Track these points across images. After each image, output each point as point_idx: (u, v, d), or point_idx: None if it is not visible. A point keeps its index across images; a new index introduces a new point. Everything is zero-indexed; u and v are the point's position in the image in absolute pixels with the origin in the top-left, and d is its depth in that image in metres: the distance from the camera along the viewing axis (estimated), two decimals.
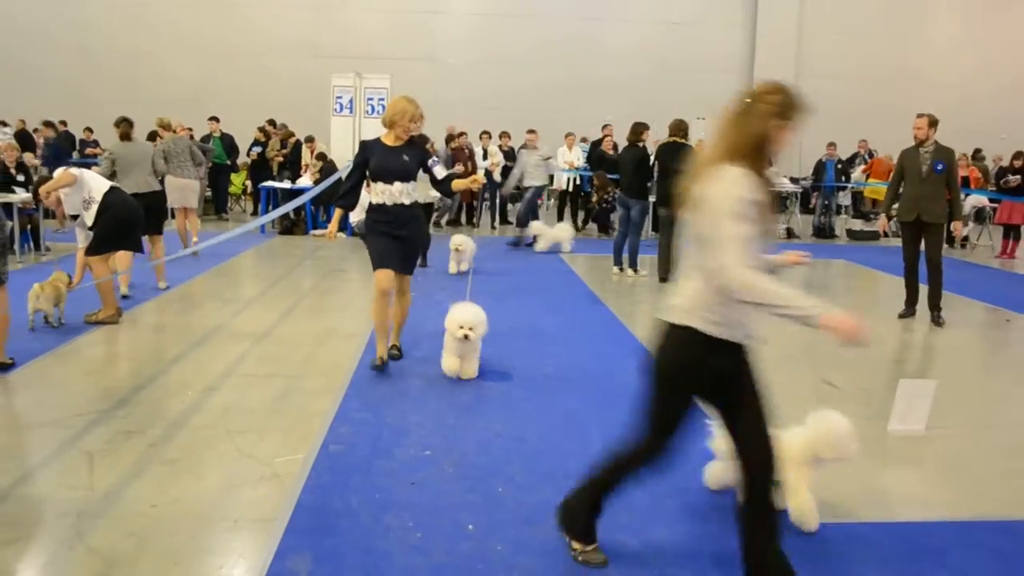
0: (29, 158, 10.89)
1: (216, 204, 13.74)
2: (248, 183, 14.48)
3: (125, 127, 7.63)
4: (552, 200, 15.11)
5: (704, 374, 2.45)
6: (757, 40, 17.86)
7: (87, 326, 5.99)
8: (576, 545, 2.83)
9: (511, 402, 4.59)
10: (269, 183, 12.67)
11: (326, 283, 8.32)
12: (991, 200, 13.13)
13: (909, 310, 7.26)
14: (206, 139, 13.23)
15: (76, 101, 16.05)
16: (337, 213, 5.15)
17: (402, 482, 3.46)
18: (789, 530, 2.93)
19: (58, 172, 6.32)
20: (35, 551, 2.85)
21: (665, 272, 8.70)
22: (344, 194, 5.11)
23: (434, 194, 6.38)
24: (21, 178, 9.52)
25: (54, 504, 3.19)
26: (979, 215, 13.54)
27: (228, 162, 13.73)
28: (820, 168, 14.20)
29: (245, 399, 4.52)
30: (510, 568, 2.79)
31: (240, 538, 2.99)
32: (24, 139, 13.85)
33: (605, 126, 12.81)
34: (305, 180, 12.12)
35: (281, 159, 13.49)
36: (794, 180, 14.77)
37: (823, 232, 13.97)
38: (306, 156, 12.91)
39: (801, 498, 3.06)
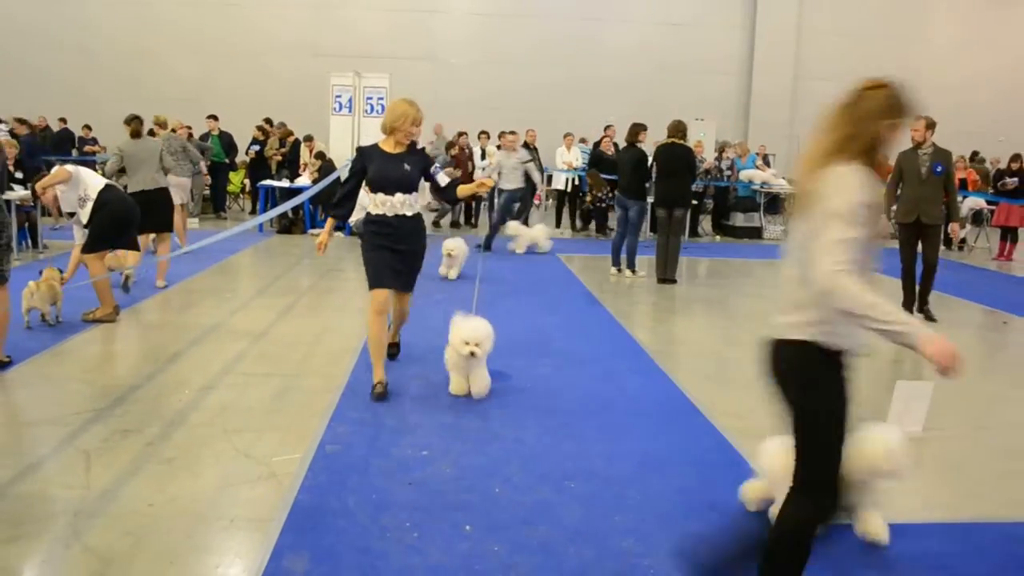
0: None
1: (215, 203, 13.76)
2: (247, 182, 14.47)
3: (136, 125, 7.62)
4: (550, 200, 15.09)
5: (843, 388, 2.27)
6: (756, 41, 17.88)
7: (84, 324, 5.99)
8: None
9: (508, 402, 4.58)
10: (268, 182, 12.68)
11: (324, 282, 8.32)
12: (989, 202, 13.15)
13: (906, 311, 7.27)
14: (205, 137, 13.25)
15: (76, 100, 16.02)
16: (329, 223, 4.76)
17: (399, 482, 3.46)
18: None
19: (55, 168, 6.33)
20: (31, 550, 2.84)
21: (663, 273, 8.73)
22: (338, 203, 4.75)
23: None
24: (19, 175, 9.51)
25: (51, 503, 3.18)
26: (977, 217, 13.55)
27: (227, 160, 13.74)
28: None
29: (243, 398, 4.51)
30: (507, 568, 2.79)
31: (237, 537, 2.98)
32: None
33: (607, 127, 12.74)
34: (304, 179, 12.13)
35: (280, 158, 13.48)
36: (792, 181, 14.75)
37: None
38: (305, 155, 12.91)
39: (870, 514, 3.05)
